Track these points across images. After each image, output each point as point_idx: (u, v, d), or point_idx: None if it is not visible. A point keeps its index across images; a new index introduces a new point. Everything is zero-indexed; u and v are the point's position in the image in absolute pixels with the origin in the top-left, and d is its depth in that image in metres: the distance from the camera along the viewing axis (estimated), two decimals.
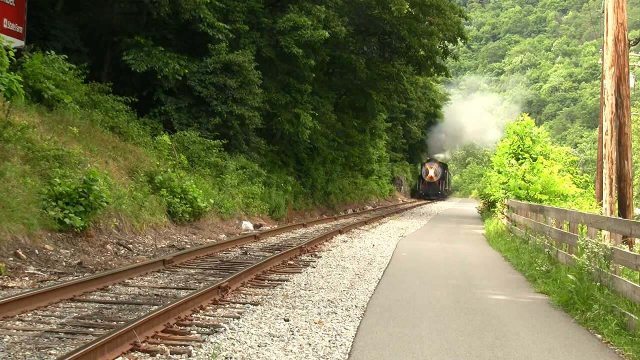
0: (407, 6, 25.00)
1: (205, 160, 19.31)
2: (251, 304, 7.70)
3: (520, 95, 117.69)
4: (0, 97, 11.79)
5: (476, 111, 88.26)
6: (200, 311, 7.19)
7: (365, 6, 27.04)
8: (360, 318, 7.27)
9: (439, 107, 65.66)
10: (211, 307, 7.47)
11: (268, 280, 9.57)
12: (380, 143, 46.16)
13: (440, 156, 75.01)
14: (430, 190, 61.48)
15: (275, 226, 19.55)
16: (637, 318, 6.51)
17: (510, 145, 24.14)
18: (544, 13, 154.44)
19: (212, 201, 17.23)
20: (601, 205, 14.75)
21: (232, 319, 6.89)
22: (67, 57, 15.76)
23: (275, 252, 12.55)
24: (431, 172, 61.33)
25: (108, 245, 11.71)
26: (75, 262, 10.08)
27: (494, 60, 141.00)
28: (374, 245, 15.61)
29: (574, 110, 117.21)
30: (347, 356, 5.79)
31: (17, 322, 6.37)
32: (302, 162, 28.83)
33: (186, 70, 19.66)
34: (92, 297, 7.79)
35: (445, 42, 31.18)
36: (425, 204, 51.46)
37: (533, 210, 14.85)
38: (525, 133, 24.10)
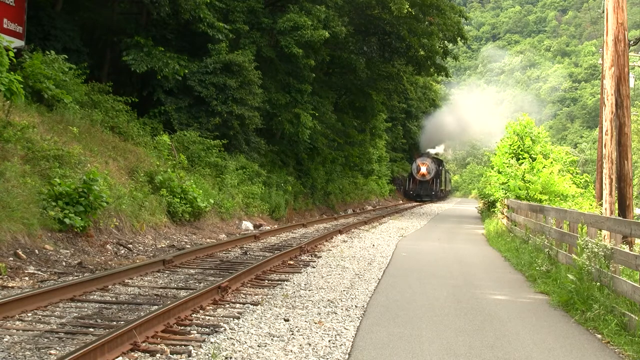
0: (407, 6, 25.00)
1: (205, 160, 19.32)
2: (251, 304, 7.70)
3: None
4: (0, 97, 11.79)
5: (484, 106, 75.09)
6: (200, 311, 7.19)
7: (365, 6, 27.05)
8: (360, 318, 7.27)
9: (439, 107, 64.49)
10: (211, 307, 7.46)
11: (268, 280, 9.57)
12: (380, 143, 46.13)
13: (437, 151, 65.62)
14: (422, 191, 54.51)
15: (275, 226, 19.55)
16: (637, 318, 6.51)
17: (510, 145, 24.14)
18: (544, 13, 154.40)
19: (212, 201, 17.23)
20: (601, 205, 14.74)
21: (232, 319, 6.89)
22: (67, 57, 15.76)
23: (275, 252, 12.55)
24: (423, 169, 54.25)
25: (108, 245, 11.71)
26: (75, 262, 10.08)
27: (494, 60, 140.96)
28: (374, 245, 15.60)
29: (574, 110, 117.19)
30: (347, 356, 5.79)
31: (17, 322, 6.37)
32: (302, 162, 28.83)
33: (186, 70, 19.67)
34: (92, 297, 7.79)
35: (445, 42, 31.19)
36: (424, 204, 49.92)
37: (533, 210, 14.84)
38: (525, 133, 24.10)
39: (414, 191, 55.17)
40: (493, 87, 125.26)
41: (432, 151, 62.34)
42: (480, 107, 73.75)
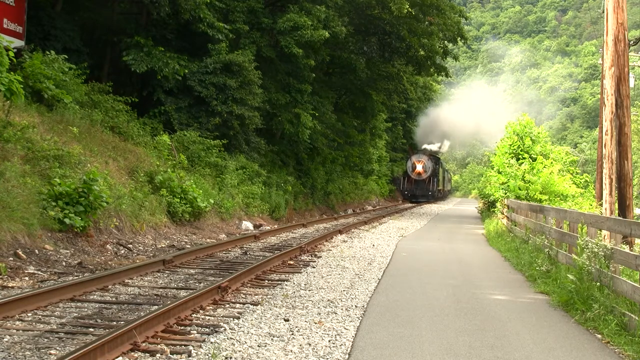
0: (407, 6, 25.00)
1: (205, 160, 19.32)
2: (251, 304, 7.70)
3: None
4: (0, 97, 11.79)
5: (486, 106, 66.78)
6: (200, 311, 7.19)
7: (365, 6, 27.05)
8: (360, 318, 7.27)
9: (439, 107, 63.68)
10: (211, 307, 7.47)
11: (268, 280, 9.57)
12: (380, 143, 46.09)
13: (433, 148, 60.01)
14: (418, 190, 50.96)
15: (275, 226, 19.55)
16: (637, 318, 6.51)
17: (510, 145, 24.14)
18: (544, 13, 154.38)
19: (212, 201, 17.23)
20: (601, 205, 14.74)
21: (232, 319, 6.89)
22: (67, 57, 15.76)
23: (275, 252, 12.55)
24: (419, 167, 50.69)
25: (108, 245, 11.71)
26: (75, 262, 10.08)
27: (494, 60, 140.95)
28: (374, 245, 15.60)
29: (574, 110, 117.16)
30: (347, 356, 5.78)
31: (17, 322, 6.37)
32: (302, 162, 28.84)
33: (186, 70, 19.67)
34: (92, 297, 7.79)
35: (445, 42, 31.20)
36: (422, 205, 48.49)
37: (533, 210, 14.84)
38: (525, 133, 24.10)
39: (409, 191, 51.84)
40: (497, 86, 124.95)
41: (428, 147, 58.23)
42: (482, 106, 69.09)
